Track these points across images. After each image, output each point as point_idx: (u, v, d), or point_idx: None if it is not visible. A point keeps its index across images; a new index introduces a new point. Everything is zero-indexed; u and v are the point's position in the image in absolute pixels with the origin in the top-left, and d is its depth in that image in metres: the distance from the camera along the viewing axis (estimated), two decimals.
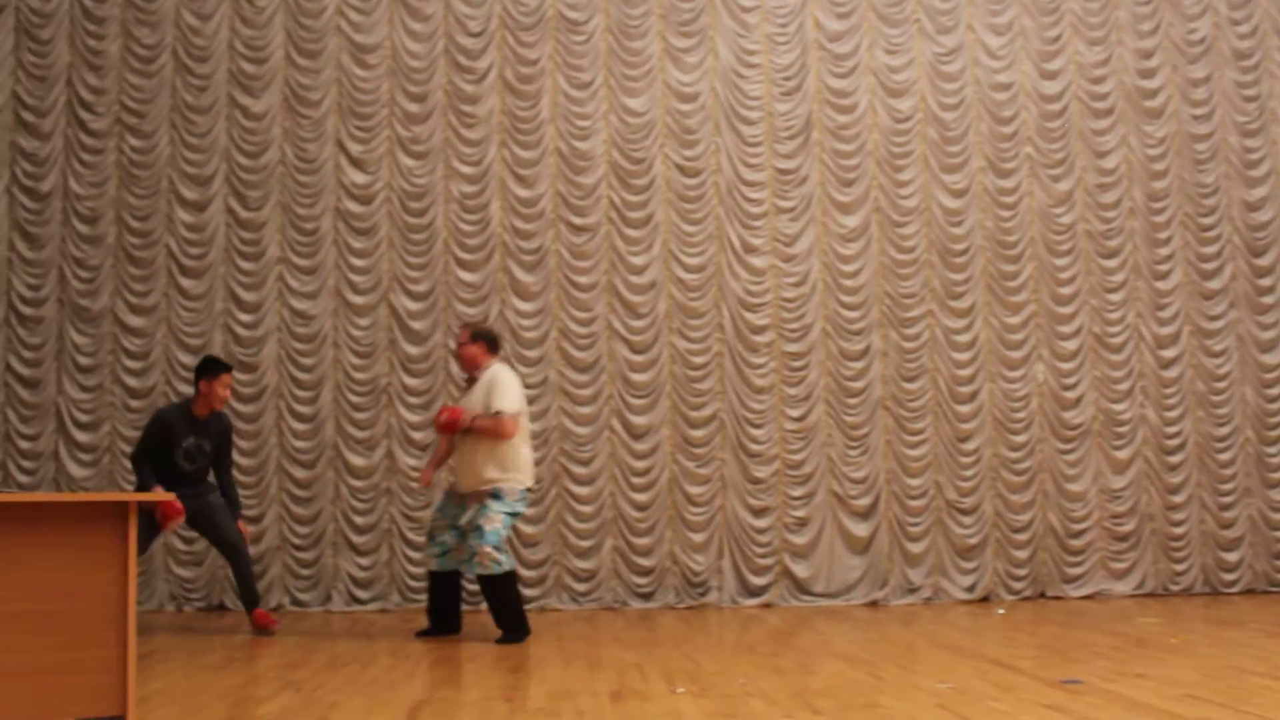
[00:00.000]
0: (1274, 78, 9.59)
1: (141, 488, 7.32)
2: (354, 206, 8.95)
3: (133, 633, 3.16)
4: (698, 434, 8.86)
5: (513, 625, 6.89)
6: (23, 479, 8.78)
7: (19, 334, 8.88)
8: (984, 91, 9.35)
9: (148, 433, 7.33)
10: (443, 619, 7.14)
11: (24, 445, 8.84)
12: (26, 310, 8.89)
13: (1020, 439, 9.04)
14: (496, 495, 6.89)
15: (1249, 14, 9.60)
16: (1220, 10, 9.60)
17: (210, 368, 7.46)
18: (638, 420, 8.84)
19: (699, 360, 8.96)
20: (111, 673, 3.14)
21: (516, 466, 6.95)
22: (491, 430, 6.87)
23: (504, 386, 6.95)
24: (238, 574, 7.51)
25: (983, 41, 9.39)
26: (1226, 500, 9.19)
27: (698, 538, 8.82)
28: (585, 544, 8.79)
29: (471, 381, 7.16)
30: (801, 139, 9.16)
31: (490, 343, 7.17)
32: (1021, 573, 8.92)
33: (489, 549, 6.76)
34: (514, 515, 7.00)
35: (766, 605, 8.78)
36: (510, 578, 6.86)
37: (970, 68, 9.37)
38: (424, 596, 8.42)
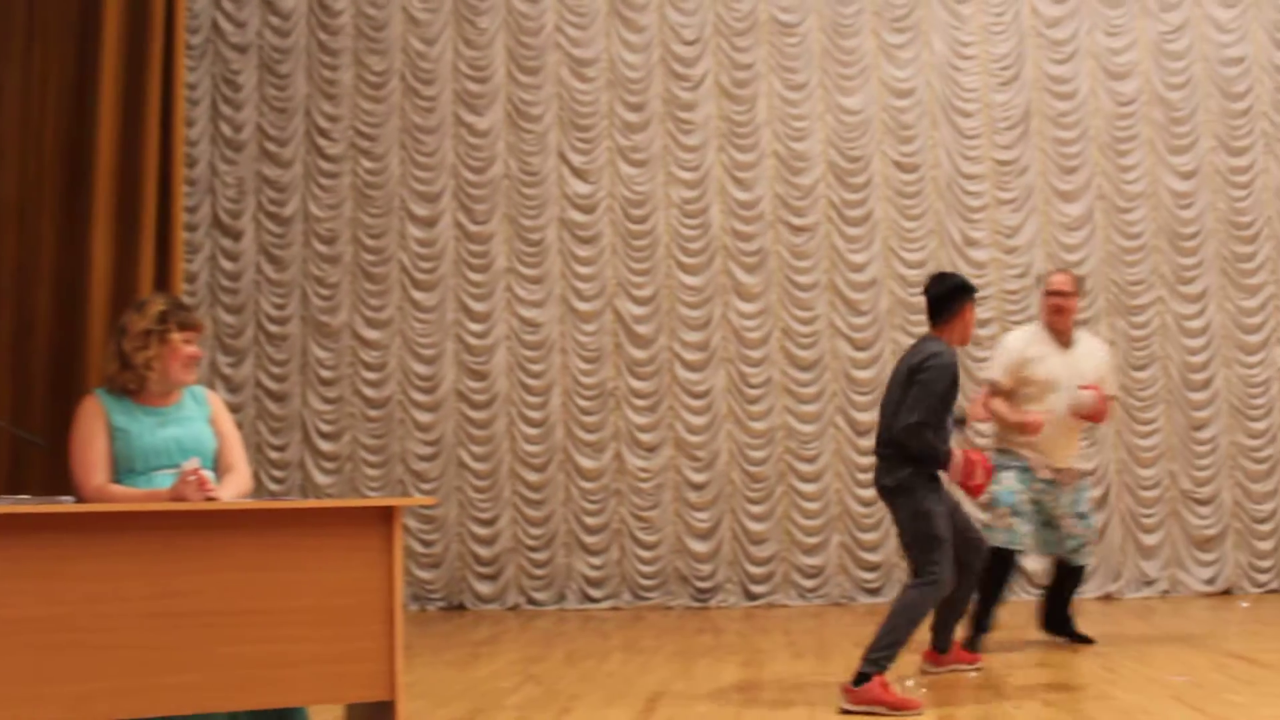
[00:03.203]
0: None
1: (937, 454, 5.52)
2: (577, 216, 10.16)
3: (399, 626, 3.75)
4: None
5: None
6: (273, 487, 10.30)
7: (267, 351, 10.37)
8: (1213, 68, 10.01)
9: (940, 383, 5.56)
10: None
11: (274, 455, 10.33)
12: (273, 329, 10.38)
13: (1260, 426, 9.69)
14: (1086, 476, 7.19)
15: None
16: None
17: (969, 289, 5.90)
18: (862, 417, 9.82)
19: None
20: (382, 662, 3.70)
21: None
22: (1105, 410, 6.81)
23: (1108, 360, 7.17)
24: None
25: (1211, 16, 10.06)
26: None
27: None
28: (812, 540, 9.89)
29: (1065, 344, 6.94)
30: (1021, 129, 10.01)
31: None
32: (1266, 564, 9.59)
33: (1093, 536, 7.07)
34: None
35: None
36: None
37: (1198, 44, 10.05)
38: (655, 594, 9.78)
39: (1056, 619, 7.15)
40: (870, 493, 9.70)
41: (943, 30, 10.23)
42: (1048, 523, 6.88)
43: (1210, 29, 10.11)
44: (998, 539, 6.62)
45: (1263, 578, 9.65)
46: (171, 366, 4.04)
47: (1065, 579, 7.09)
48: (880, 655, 5.25)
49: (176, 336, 4.04)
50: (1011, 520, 6.68)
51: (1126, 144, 10.06)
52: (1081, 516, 6.92)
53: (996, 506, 6.70)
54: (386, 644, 3.74)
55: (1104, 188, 10.05)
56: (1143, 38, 10.13)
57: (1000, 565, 6.68)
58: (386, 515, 3.80)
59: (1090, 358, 6.91)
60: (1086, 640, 7.03)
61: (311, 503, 3.76)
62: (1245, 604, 8.97)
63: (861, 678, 5.20)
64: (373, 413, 10.35)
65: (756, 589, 9.87)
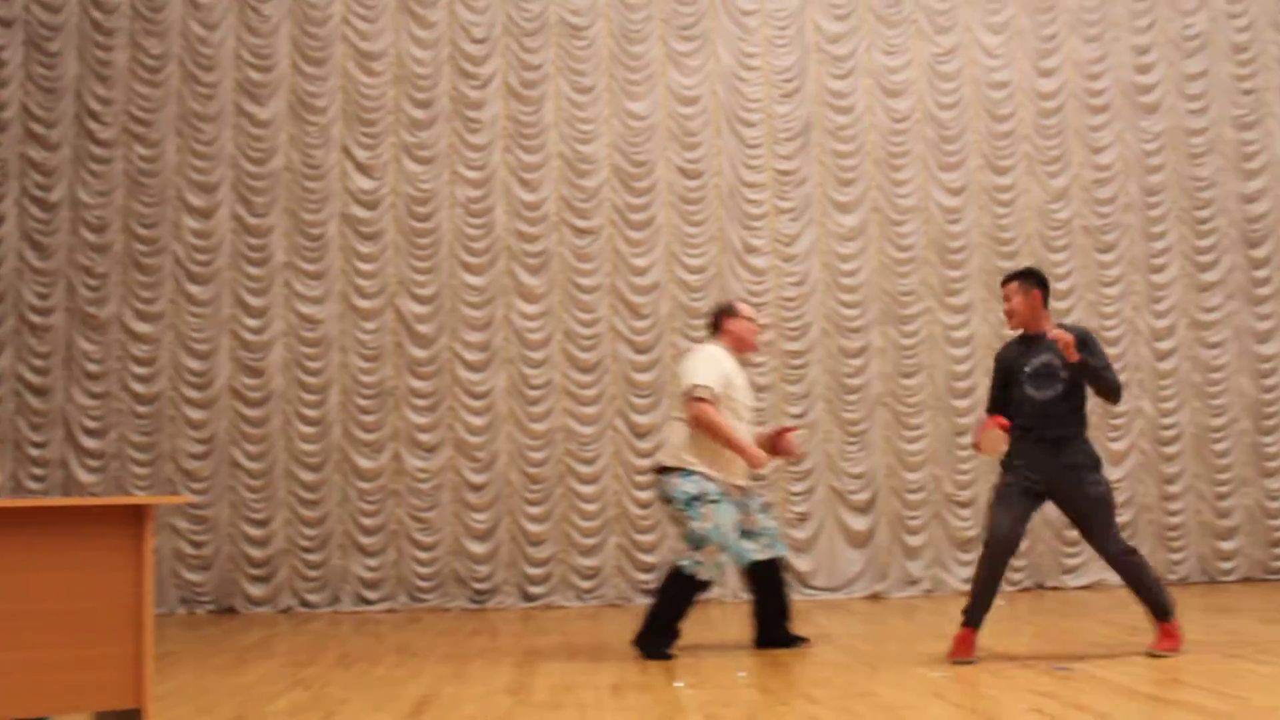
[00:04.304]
0: (1270, 71, 10.77)
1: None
2: (360, 212, 10.04)
3: (150, 630, 3.71)
4: None
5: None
6: (33, 485, 9.93)
7: (28, 343, 10.00)
8: (981, 90, 10.45)
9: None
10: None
11: (34, 453, 9.98)
12: (35, 319, 10.01)
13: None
14: None
15: (1245, 8, 10.78)
16: (1217, 4, 10.79)
17: None
18: (641, 420, 9.95)
19: None
20: (129, 668, 3.65)
21: None
22: None
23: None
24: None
25: (980, 41, 10.49)
26: (1223, 490, 10.37)
27: None
28: (589, 542, 9.99)
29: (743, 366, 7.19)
30: (801, 140, 10.29)
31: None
32: (1020, 564, 10.04)
33: None
34: None
35: None
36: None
37: (967, 67, 10.47)
38: (432, 596, 9.89)
39: (775, 628, 7.10)
40: (648, 494, 9.85)
41: (729, 40, 10.46)
42: (745, 534, 6.89)
43: (979, 53, 10.59)
44: (706, 574, 6.71)
45: (1016, 576, 10.13)
46: None
47: (772, 581, 7.08)
48: (1162, 604, 6.35)
49: None
50: (719, 556, 6.73)
51: (900, 159, 10.47)
52: (764, 510, 7.04)
53: (706, 544, 6.67)
54: (134, 649, 3.64)
55: (878, 201, 10.44)
56: (917, 58, 10.56)
57: (692, 590, 6.77)
58: (137, 515, 3.68)
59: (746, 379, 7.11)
60: (803, 641, 7.12)
61: (52, 501, 3.63)
62: (1001, 602, 9.38)
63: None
64: (142, 409, 10.04)
65: (534, 590, 9.90)
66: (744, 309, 7.16)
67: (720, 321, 7.13)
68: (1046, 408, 6.34)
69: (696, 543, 6.71)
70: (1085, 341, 6.28)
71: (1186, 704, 4.87)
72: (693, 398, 6.73)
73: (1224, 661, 5.99)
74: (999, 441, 6.27)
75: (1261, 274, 10.63)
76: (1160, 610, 6.37)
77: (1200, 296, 10.58)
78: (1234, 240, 10.64)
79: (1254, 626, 7.40)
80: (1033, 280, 6.50)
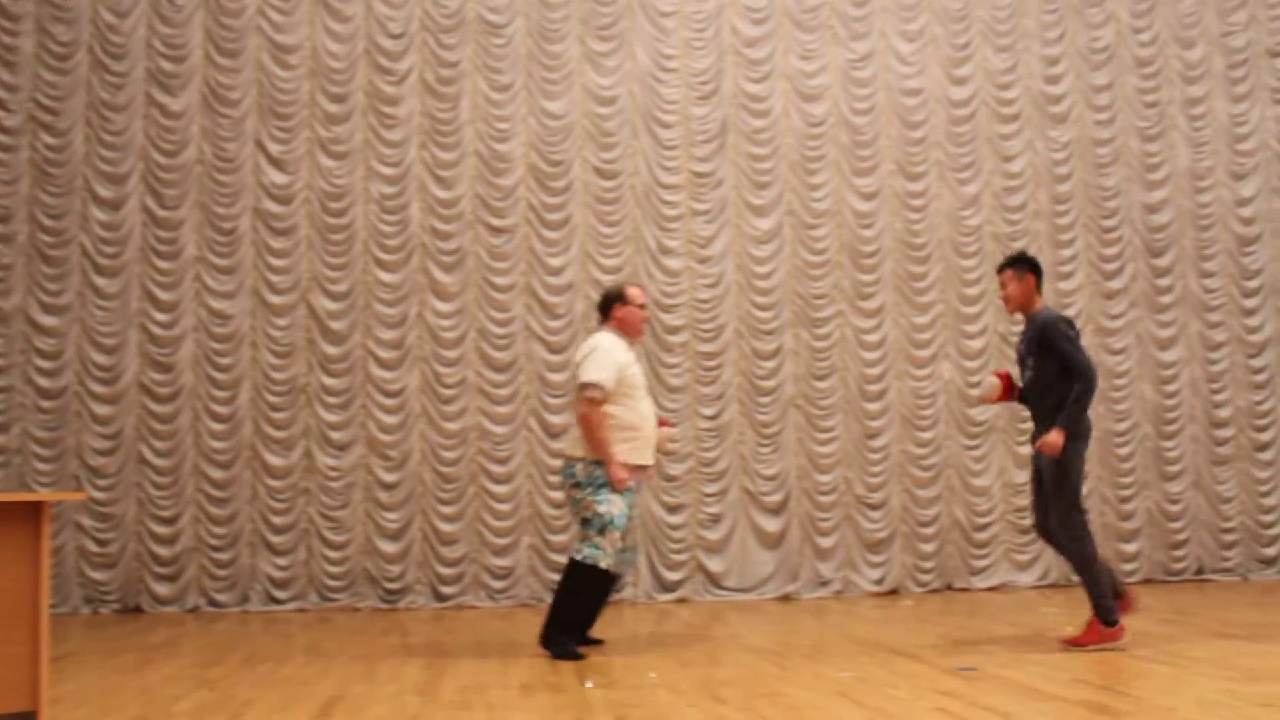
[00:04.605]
0: (1173, 85, 10.93)
1: None
2: (273, 206, 9.91)
3: (45, 629, 3.65)
4: None
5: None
6: None
7: None
8: (894, 97, 10.55)
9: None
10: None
11: None
12: None
13: (927, 435, 10.25)
14: None
15: (1149, 23, 10.93)
16: (1122, 19, 10.89)
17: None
18: (555, 420, 9.92)
19: None
20: (24, 668, 3.60)
21: None
22: None
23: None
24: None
25: (894, 48, 10.58)
26: (1125, 494, 10.57)
27: None
28: (502, 542, 9.94)
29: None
30: (717, 143, 10.30)
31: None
32: (928, 565, 10.13)
33: None
34: None
35: (681, 600, 9.93)
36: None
37: (881, 73, 10.57)
38: (343, 596, 9.83)
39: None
40: (562, 494, 9.80)
41: (646, 41, 10.47)
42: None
43: (893, 60, 10.69)
44: (605, 561, 6.74)
45: (925, 578, 10.25)
46: None
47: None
48: (1100, 601, 6.64)
49: None
50: (620, 544, 6.79)
51: (815, 163, 10.53)
52: (633, 519, 7.02)
53: (610, 531, 6.72)
54: (29, 650, 3.54)
55: (793, 204, 10.49)
56: (833, 63, 10.64)
57: (598, 583, 6.81)
58: (34, 511, 3.57)
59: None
60: (598, 643, 7.23)
61: None
62: (909, 603, 9.49)
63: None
64: (46, 404, 9.82)
65: (446, 590, 9.82)
66: (634, 295, 7.19)
67: (610, 309, 7.18)
68: (1026, 390, 7.01)
69: (600, 528, 6.74)
70: (1046, 331, 6.72)
71: (1089, 703, 4.98)
72: (584, 397, 6.79)
73: (1125, 661, 6.15)
74: (994, 390, 7.00)
75: (1163, 282, 10.84)
76: (1097, 605, 6.68)
77: (1105, 304, 10.77)
78: (1138, 249, 10.85)
79: (1154, 627, 7.56)
80: (1025, 266, 6.95)
